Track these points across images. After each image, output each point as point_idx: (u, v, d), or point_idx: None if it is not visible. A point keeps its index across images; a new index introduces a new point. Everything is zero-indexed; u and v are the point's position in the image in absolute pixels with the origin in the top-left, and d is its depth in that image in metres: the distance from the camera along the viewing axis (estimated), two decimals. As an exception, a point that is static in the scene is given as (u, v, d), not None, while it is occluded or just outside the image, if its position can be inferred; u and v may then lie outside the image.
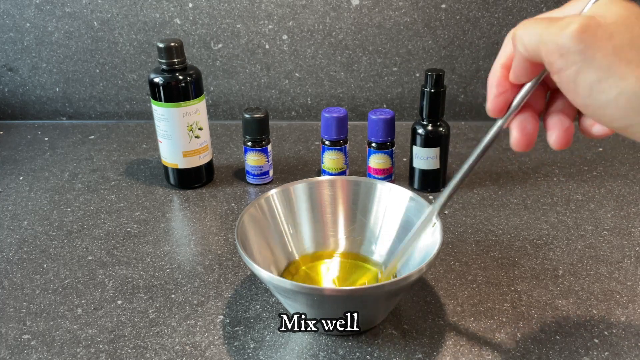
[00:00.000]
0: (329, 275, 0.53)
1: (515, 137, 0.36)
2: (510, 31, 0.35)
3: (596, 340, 0.47)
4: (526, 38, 0.31)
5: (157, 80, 0.67)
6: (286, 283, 0.41)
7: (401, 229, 0.53)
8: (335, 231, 0.56)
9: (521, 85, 0.36)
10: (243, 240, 0.47)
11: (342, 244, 0.56)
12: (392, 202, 0.54)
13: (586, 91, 0.30)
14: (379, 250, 0.55)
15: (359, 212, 0.56)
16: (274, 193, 0.54)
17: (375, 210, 0.55)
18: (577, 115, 0.36)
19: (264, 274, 0.42)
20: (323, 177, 0.56)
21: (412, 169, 0.72)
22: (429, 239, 0.48)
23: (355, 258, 0.55)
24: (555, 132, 0.35)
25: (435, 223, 0.48)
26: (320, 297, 0.43)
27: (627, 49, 0.29)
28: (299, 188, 0.55)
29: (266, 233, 0.52)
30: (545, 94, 0.37)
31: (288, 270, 0.53)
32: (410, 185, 0.73)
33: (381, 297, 0.44)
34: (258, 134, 0.72)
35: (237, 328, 0.50)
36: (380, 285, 0.41)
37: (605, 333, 0.48)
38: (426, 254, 0.47)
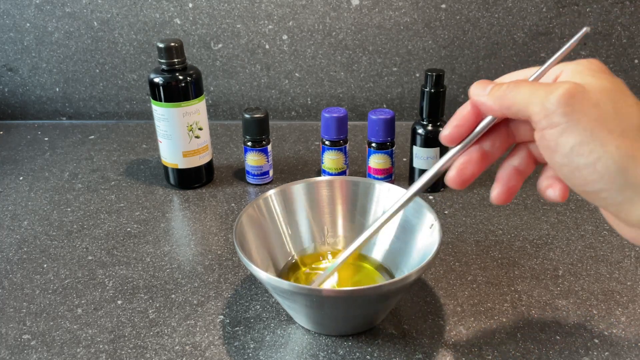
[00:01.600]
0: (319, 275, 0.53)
1: (451, 175, 0.38)
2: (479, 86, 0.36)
3: (596, 340, 0.47)
4: (516, 98, 0.33)
5: (157, 80, 0.67)
6: (284, 284, 0.41)
7: (400, 229, 0.53)
8: (334, 231, 0.56)
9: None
10: (241, 240, 0.47)
11: (341, 244, 0.56)
12: (390, 202, 0.54)
13: (566, 152, 0.31)
14: (378, 250, 0.55)
15: (357, 212, 0.56)
16: (272, 193, 0.54)
17: (374, 211, 0.55)
18: (530, 173, 0.38)
19: (262, 275, 0.42)
20: (321, 178, 0.56)
21: (412, 169, 0.72)
22: (428, 240, 0.48)
23: (354, 258, 0.55)
24: (500, 187, 0.38)
25: (432, 224, 0.48)
26: (319, 298, 0.43)
27: (610, 118, 0.30)
28: (298, 188, 0.55)
29: (265, 234, 0.52)
30: (508, 146, 0.38)
31: (287, 271, 0.53)
32: (410, 185, 0.73)
33: (380, 297, 0.44)
34: (258, 134, 0.72)
35: (237, 328, 0.50)
36: (378, 286, 0.41)
37: (605, 333, 0.48)
38: (425, 254, 0.47)
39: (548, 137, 0.32)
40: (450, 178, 0.38)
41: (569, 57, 0.35)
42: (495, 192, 0.38)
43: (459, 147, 0.38)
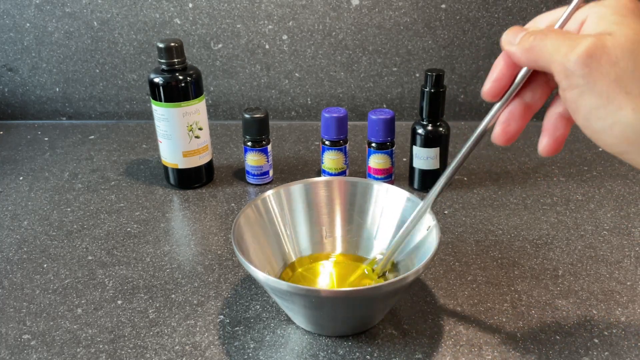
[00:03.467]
0: (325, 276, 0.53)
1: (497, 132, 0.37)
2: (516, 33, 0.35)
3: (596, 340, 0.47)
4: (541, 52, 0.32)
5: (157, 80, 0.67)
6: (282, 284, 0.41)
7: (398, 229, 0.53)
8: (332, 232, 0.56)
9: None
10: (239, 241, 0.47)
11: (339, 245, 0.56)
12: (388, 202, 0.54)
13: (585, 114, 0.31)
14: (376, 251, 0.55)
15: (355, 213, 0.56)
16: (270, 194, 0.54)
17: (372, 211, 0.55)
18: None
19: (260, 275, 0.42)
20: (319, 178, 0.56)
21: (412, 169, 0.72)
22: (426, 240, 0.48)
23: (352, 259, 0.55)
24: (547, 138, 0.36)
25: (430, 226, 0.48)
26: (317, 299, 0.43)
27: (628, 78, 0.29)
28: (296, 189, 0.55)
29: (263, 234, 0.52)
30: (549, 93, 0.38)
31: (285, 272, 0.53)
32: (410, 185, 0.73)
33: (378, 298, 0.44)
34: (258, 134, 0.72)
35: (237, 328, 0.50)
36: (377, 287, 0.41)
37: (605, 333, 0.48)
38: (423, 254, 0.47)
39: (569, 97, 0.31)
40: (495, 135, 0.37)
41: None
42: (544, 143, 0.37)
43: (499, 103, 0.37)
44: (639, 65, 0.30)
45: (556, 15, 0.35)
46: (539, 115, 0.38)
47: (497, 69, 0.36)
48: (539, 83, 0.37)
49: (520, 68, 0.36)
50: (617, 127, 0.30)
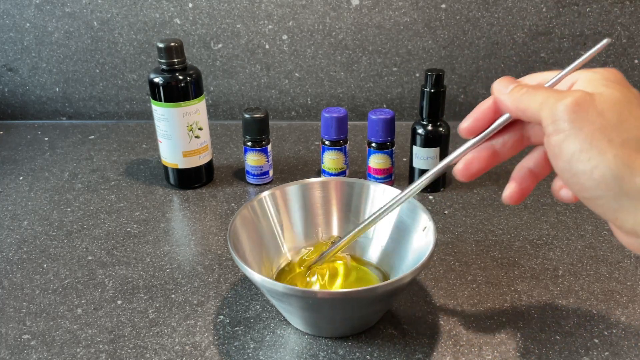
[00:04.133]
0: (322, 277, 0.53)
1: (458, 167, 0.40)
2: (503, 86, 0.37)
3: (596, 340, 0.47)
4: (530, 102, 0.34)
5: (157, 80, 0.67)
6: (279, 286, 0.41)
7: (395, 230, 0.53)
8: (328, 233, 0.56)
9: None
10: (235, 242, 0.47)
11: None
12: (385, 203, 0.54)
13: (567, 158, 0.32)
14: (373, 252, 0.54)
15: (351, 213, 0.56)
16: (266, 195, 0.54)
17: (369, 212, 0.55)
18: (545, 176, 0.40)
19: (256, 277, 0.42)
20: (316, 179, 0.56)
21: (412, 169, 0.72)
22: (423, 241, 0.48)
23: (350, 259, 0.55)
24: (513, 187, 0.40)
25: (425, 227, 0.48)
26: (314, 300, 0.43)
27: (612, 129, 0.31)
28: (292, 190, 0.55)
29: (259, 235, 0.52)
30: (520, 148, 0.40)
31: (282, 273, 0.53)
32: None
33: (374, 299, 0.44)
34: (258, 134, 0.72)
35: (237, 328, 0.50)
36: (373, 288, 0.41)
37: (605, 333, 0.48)
38: (420, 255, 0.47)
39: (553, 142, 0.33)
40: (457, 170, 0.40)
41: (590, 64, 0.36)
42: (508, 192, 0.40)
43: (472, 141, 0.39)
44: (622, 120, 0.32)
45: (547, 76, 0.37)
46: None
47: (481, 109, 0.38)
48: (513, 136, 0.39)
49: (500, 115, 0.38)
50: (597, 171, 0.31)
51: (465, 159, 0.39)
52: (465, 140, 0.40)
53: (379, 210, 0.46)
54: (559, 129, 0.32)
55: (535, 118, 0.34)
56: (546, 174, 0.40)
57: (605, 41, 0.36)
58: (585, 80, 0.34)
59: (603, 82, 0.33)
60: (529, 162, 0.40)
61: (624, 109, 0.32)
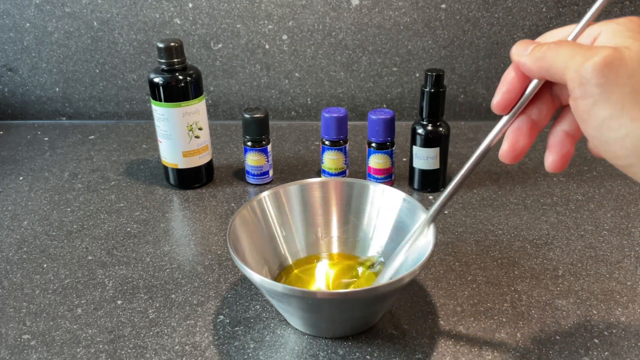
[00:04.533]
0: (322, 277, 0.53)
1: (504, 149, 0.37)
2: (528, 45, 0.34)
3: (596, 340, 0.47)
4: (554, 61, 0.32)
5: (157, 80, 0.67)
6: (278, 287, 0.41)
7: (394, 230, 0.53)
8: (328, 233, 0.56)
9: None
10: (235, 243, 0.47)
11: (335, 246, 0.56)
12: (385, 203, 0.54)
13: (596, 124, 0.30)
14: (372, 252, 0.54)
15: (351, 214, 0.56)
16: (266, 195, 0.53)
17: (368, 212, 0.55)
18: (582, 135, 0.36)
19: (255, 277, 0.42)
20: (315, 179, 0.56)
21: (412, 169, 0.72)
22: (423, 241, 0.48)
23: (349, 260, 0.55)
24: (553, 155, 0.36)
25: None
26: (314, 301, 0.43)
27: None
28: (292, 190, 0.55)
29: (259, 236, 0.52)
30: (554, 110, 0.37)
31: (281, 274, 0.53)
32: (410, 185, 0.73)
33: (374, 299, 0.44)
34: (258, 134, 0.72)
35: (237, 328, 0.50)
36: (374, 288, 0.41)
37: (605, 333, 0.48)
38: (420, 255, 0.47)
39: (581, 107, 0.31)
40: (503, 152, 0.37)
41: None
42: (551, 160, 0.36)
43: (506, 117, 0.37)
44: None
45: (566, 31, 0.35)
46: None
47: (507, 81, 0.36)
48: (545, 99, 0.37)
49: (530, 81, 0.36)
50: (629, 138, 0.30)
51: (508, 139, 0.36)
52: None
53: (438, 202, 0.44)
54: (587, 92, 0.30)
55: (560, 78, 0.31)
56: (582, 134, 0.36)
57: None
58: (610, 33, 0.32)
59: (629, 33, 0.31)
60: (563, 125, 0.36)
61: None
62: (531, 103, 0.36)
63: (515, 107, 0.36)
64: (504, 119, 0.37)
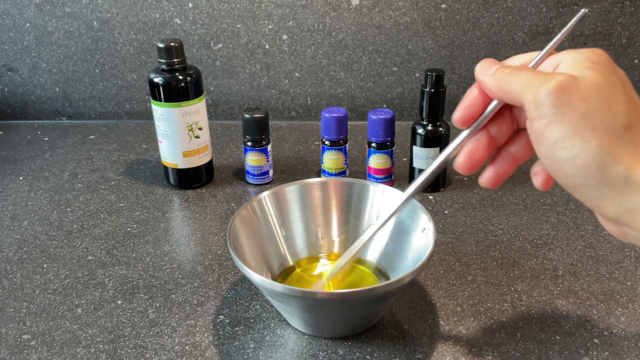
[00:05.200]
0: (322, 278, 0.53)
1: (460, 160, 0.38)
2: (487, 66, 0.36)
3: (596, 340, 0.47)
4: (513, 84, 0.33)
5: (157, 80, 0.67)
6: (278, 287, 0.41)
7: (394, 230, 0.53)
8: (328, 233, 0.56)
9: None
10: (235, 243, 0.47)
11: (335, 246, 0.56)
12: (385, 203, 0.54)
13: (550, 144, 0.32)
14: (372, 252, 0.54)
15: (351, 214, 0.56)
16: (265, 195, 0.53)
17: (368, 212, 0.55)
18: (526, 159, 0.39)
19: (255, 277, 0.42)
20: (315, 179, 0.56)
21: (412, 169, 0.72)
22: (423, 241, 0.48)
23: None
24: (491, 171, 0.39)
25: (425, 229, 0.48)
26: (313, 301, 0.43)
27: (596, 115, 0.31)
28: (291, 190, 0.55)
29: (259, 236, 0.52)
30: (512, 131, 0.39)
31: (281, 274, 0.53)
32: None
33: (374, 299, 0.44)
34: (258, 134, 0.72)
35: (237, 328, 0.50)
36: (372, 288, 0.41)
37: (605, 333, 0.48)
38: (420, 255, 0.47)
39: (536, 127, 0.32)
40: (459, 163, 0.38)
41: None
42: (486, 175, 0.39)
43: (466, 132, 0.38)
44: (605, 106, 0.31)
45: (530, 57, 0.36)
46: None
47: (470, 97, 0.37)
48: (505, 119, 0.38)
49: (491, 100, 0.37)
50: (580, 158, 0.31)
51: (465, 151, 0.38)
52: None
53: (381, 218, 0.45)
54: (542, 114, 0.31)
55: (518, 101, 0.33)
56: (527, 158, 0.39)
57: (582, 12, 0.35)
58: (570, 62, 0.33)
59: (588, 64, 0.32)
60: (512, 146, 0.38)
61: (608, 94, 0.31)
62: (491, 120, 0.38)
63: (476, 123, 0.37)
64: (464, 133, 0.38)
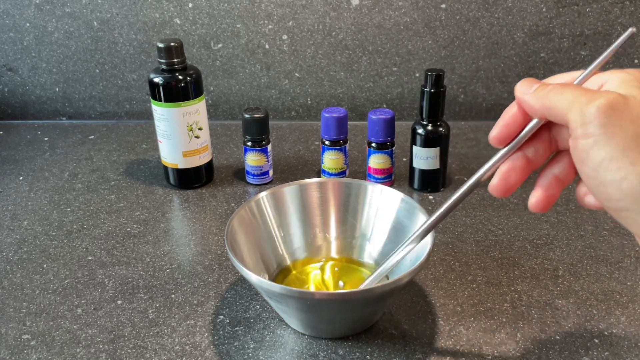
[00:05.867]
0: (320, 278, 0.53)
1: (494, 183, 0.37)
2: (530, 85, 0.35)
3: (596, 340, 0.47)
4: (558, 101, 0.32)
5: (157, 80, 0.67)
6: (276, 287, 0.41)
7: (392, 230, 0.53)
8: (326, 233, 0.56)
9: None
10: (233, 243, 0.47)
11: (334, 246, 0.56)
12: (383, 203, 0.54)
13: (595, 165, 0.30)
14: (371, 252, 0.54)
15: (349, 214, 0.56)
16: (264, 196, 0.53)
17: (367, 212, 0.55)
18: (572, 181, 0.37)
19: (253, 278, 0.42)
20: (313, 179, 0.56)
21: (412, 169, 0.72)
22: (422, 241, 0.48)
23: (347, 260, 0.55)
24: (539, 194, 0.37)
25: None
26: (312, 302, 0.43)
27: None
28: (290, 190, 0.55)
29: (257, 236, 0.52)
30: (550, 153, 0.38)
31: (279, 274, 0.53)
32: (410, 185, 0.73)
33: (372, 300, 0.44)
34: (258, 134, 0.72)
35: (237, 328, 0.50)
36: (371, 289, 0.41)
37: (605, 333, 0.48)
38: (418, 256, 0.47)
39: (581, 146, 0.31)
40: (493, 186, 0.37)
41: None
42: (535, 199, 0.37)
43: (502, 151, 0.37)
44: None
45: (573, 75, 0.35)
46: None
47: (508, 115, 0.36)
48: (543, 141, 0.37)
49: (530, 119, 0.36)
50: (627, 182, 0.29)
51: (500, 173, 0.36)
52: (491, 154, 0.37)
53: (404, 242, 0.44)
54: (589, 132, 0.30)
55: (562, 119, 0.32)
56: (572, 180, 0.37)
57: (630, 30, 0.33)
58: (617, 81, 0.32)
59: (637, 83, 0.31)
60: (554, 168, 0.37)
61: None
62: (529, 141, 0.37)
63: (513, 143, 0.36)
64: (501, 152, 0.37)
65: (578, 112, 0.30)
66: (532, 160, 0.37)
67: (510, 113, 0.36)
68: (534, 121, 0.35)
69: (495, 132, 0.36)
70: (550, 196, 0.37)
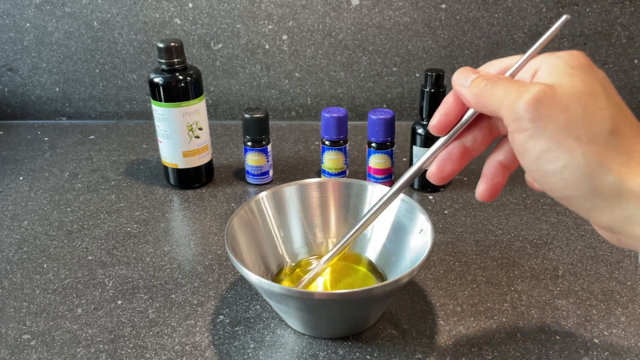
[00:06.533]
0: (320, 278, 0.53)
1: (432, 171, 0.38)
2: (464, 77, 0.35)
3: (596, 340, 0.47)
4: (490, 98, 0.33)
5: (157, 80, 0.67)
6: (276, 287, 0.41)
7: (392, 230, 0.53)
8: (326, 233, 0.56)
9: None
10: (233, 243, 0.47)
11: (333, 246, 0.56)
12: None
13: (534, 157, 0.31)
14: (371, 252, 0.54)
15: (349, 214, 0.56)
16: (264, 196, 0.53)
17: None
18: (516, 167, 0.37)
19: (253, 278, 0.42)
20: (313, 180, 0.56)
21: (412, 169, 0.72)
22: (421, 241, 0.48)
23: (347, 260, 0.55)
24: (484, 184, 0.37)
25: (422, 230, 0.48)
26: (312, 302, 0.43)
27: (577, 125, 0.30)
28: (289, 190, 0.55)
29: (257, 236, 0.52)
30: (491, 140, 0.38)
31: (279, 274, 0.53)
32: (410, 185, 0.73)
33: (372, 300, 0.44)
34: (258, 134, 0.72)
35: (237, 328, 0.50)
36: (370, 289, 0.41)
37: (605, 333, 0.48)
38: (418, 255, 0.47)
39: (517, 141, 0.31)
40: (431, 174, 0.38)
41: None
42: (481, 189, 0.38)
43: (440, 141, 0.38)
44: (587, 114, 0.30)
45: (510, 62, 0.36)
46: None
47: (447, 104, 0.37)
48: (482, 129, 0.37)
49: (467, 109, 0.36)
50: (567, 170, 0.30)
51: (437, 161, 0.37)
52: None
53: (358, 223, 0.45)
54: (522, 127, 0.31)
55: (496, 114, 0.32)
56: (517, 166, 0.37)
57: (564, 18, 0.34)
58: (548, 68, 0.32)
59: (566, 70, 0.31)
60: (498, 155, 0.37)
61: (588, 101, 0.30)
62: (467, 130, 0.37)
63: (451, 132, 0.37)
64: (440, 140, 0.38)
65: (508, 108, 0.31)
66: (471, 149, 0.38)
67: (448, 102, 0.37)
68: (471, 111, 0.36)
69: (435, 121, 0.37)
70: (496, 185, 0.37)
